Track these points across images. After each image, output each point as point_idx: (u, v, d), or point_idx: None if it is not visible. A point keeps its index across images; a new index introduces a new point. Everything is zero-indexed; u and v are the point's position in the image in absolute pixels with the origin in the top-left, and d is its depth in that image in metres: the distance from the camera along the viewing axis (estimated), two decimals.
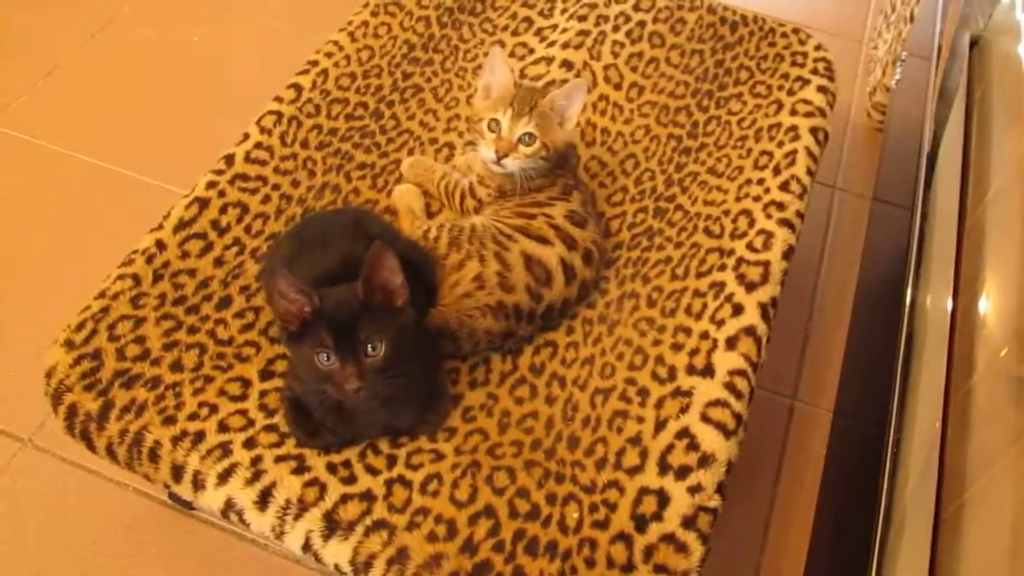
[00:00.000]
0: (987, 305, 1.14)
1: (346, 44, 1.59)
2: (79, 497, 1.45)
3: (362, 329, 0.97)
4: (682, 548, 1.04)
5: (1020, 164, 1.17)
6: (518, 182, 1.33)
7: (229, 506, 1.08)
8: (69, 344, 1.16)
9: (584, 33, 1.66)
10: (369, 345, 0.98)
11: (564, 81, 1.57)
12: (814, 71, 1.59)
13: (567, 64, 1.62)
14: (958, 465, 1.02)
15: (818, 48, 1.65)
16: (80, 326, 1.18)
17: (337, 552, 1.04)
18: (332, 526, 1.05)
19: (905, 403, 1.36)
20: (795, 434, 1.60)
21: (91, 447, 1.13)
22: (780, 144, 1.46)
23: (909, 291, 1.51)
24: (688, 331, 1.24)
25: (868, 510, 1.29)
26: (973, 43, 1.62)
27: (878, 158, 1.95)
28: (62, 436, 1.14)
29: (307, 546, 1.05)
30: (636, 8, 1.70)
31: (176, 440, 1.10)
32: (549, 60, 1.64)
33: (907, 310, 1.48)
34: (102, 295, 1.21)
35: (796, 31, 1.68)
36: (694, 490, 1.08)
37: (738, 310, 1.23)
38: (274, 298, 0.99)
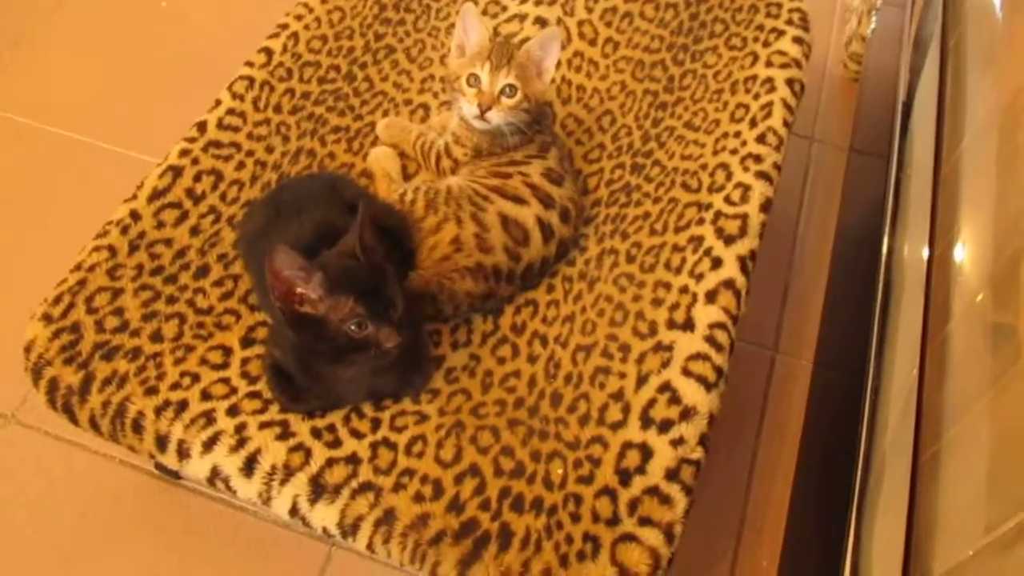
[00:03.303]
0: (963, 252, 1.14)
1: (316, 6, 1.57)
2: (65, 471, 1.45)
3: (388, 288, 1.00)
4: (666, 500, 1.05)
5: (994, 111, 1.17)
6: (499, 138, 1.32)
7: (215, 474, 1.08)
8: (47, 318, 1.15)
9: None
10: (394, 303, 1.00)
11: None
12: (789, 22, 1.58)
13: (541, 21, 1.60)
14: (935, 410, 1.04)
15: None
16: (57, 300, 1.17)
17: (325, 515, 1.04)
18: (319, 490, 1.05)
19: (883, 351, 1.37)
20: (776, 385, 1.61)
21: (74, 420, 1.13)
22: (756, 96, 1.45)
23: (886, 240, 1.52)
24: (668, 286, 1.24)
25: (849, 457, 1.31)
26: None
27: (855, 109, 1.95)
28: (45, 411, 1.14)
29: (294, 511, 1.05)
30: None
31: (159, 410, 1.10)
32: (523, 17, 1.62)
33: (884, 259, 1.49)
34: (78, 268, 1.20)
35: None
36: (677, 443, 1.09)
37: (717, 264, 1.23)
38: (271, 280, 0.97)
